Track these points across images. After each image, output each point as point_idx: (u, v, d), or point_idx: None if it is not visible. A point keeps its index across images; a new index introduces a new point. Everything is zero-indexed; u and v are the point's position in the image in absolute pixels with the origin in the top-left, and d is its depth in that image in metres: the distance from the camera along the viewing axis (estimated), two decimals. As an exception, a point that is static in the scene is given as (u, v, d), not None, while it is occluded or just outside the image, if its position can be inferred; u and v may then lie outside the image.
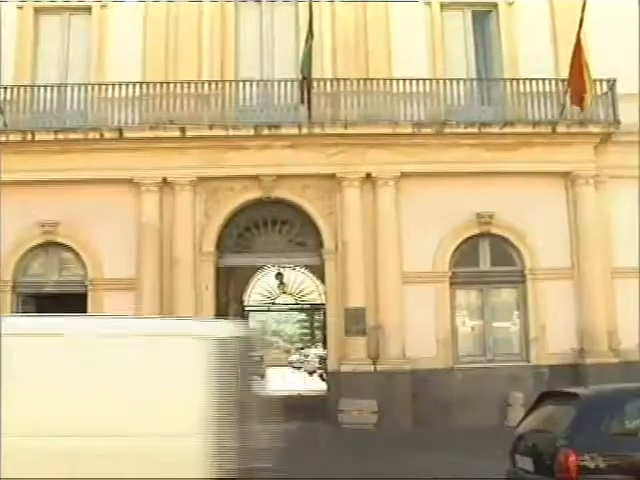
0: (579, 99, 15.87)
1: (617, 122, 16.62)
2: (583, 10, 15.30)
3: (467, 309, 17.39)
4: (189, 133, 16.43)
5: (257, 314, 41.96)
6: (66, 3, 17.72)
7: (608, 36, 16.42)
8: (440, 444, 13.35)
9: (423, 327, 16.27)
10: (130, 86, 16.40)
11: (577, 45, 15.47)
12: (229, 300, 23.70)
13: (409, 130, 16.59)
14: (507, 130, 16.66)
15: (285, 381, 35.47)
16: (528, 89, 16.76)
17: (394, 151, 16.58)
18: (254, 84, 16.85)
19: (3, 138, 16.26)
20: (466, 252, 17.02)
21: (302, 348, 57.85)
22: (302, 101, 16.00)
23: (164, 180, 16.66)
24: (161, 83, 16.55)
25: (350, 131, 16.51)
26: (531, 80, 16.67)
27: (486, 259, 17.15)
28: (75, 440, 5.63)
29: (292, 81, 16.60)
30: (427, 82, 16.75)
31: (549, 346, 16.53)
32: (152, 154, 16.46)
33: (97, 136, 16.40)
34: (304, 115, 16.34)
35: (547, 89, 16.77)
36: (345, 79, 16.73)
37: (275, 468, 6.28)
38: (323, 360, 27.65)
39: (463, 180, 16.52)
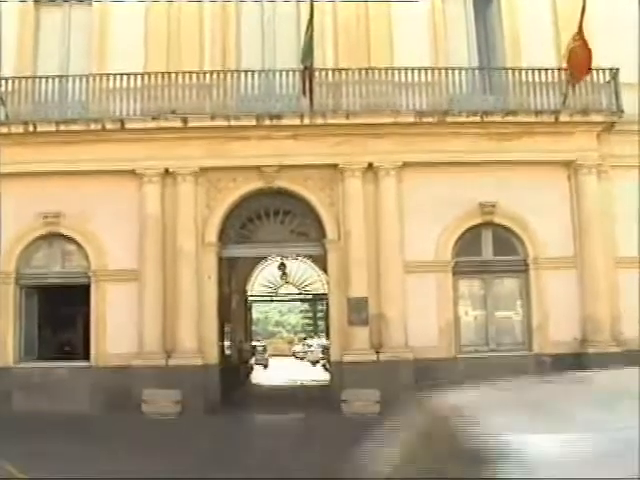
0: (580, 73, 15.72)
1: (620, 111, 16.56)
2: (585, -2, 15.21)
3: (470, 298, 17.39)
4: (191, 123, 16.40)
5: (260, 304, 42.25)
6: (67, -6, 17.68)
7: (610, 25, 16.33)
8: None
9: (426, 316, 16.28)
10: (132, 77, 16.35)
11: (579, 29, 15.29)
12: (232, 291, 23.76)
13: (411, 120, 16.53)
14: (509, 119, 16.61)
15: (288, 371, 35.56)
16: (530, 78, 16.68)
17: (396, 141, 16.54)
18: (256, 74, 16.81)
19: (5, 130, 16.25)
20: (468, 241, 17.00)
21: (305, 338, 57.94)
22: (304, 91, 15.91)
23: (166, 171, 16.65)
24: (163, 73, 16.49)
25: (352, 121, 16.46)
26: (533, 69, 16.60)
27: (489, 248, 17.13)
28: None
29: (294, 71, 16.52)
30: (429, 71, 16.68)
31: (552, 335, 16.50)
32: (154, 145, 16.45)
33: (99, 127, 16.38)
34: (306, 105, 16.26)
35: (549, 78, 16.70)
36: (347, 69, 16.66)
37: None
38: (326, 350, 27.71)
39: (465, 169, 16.46)
